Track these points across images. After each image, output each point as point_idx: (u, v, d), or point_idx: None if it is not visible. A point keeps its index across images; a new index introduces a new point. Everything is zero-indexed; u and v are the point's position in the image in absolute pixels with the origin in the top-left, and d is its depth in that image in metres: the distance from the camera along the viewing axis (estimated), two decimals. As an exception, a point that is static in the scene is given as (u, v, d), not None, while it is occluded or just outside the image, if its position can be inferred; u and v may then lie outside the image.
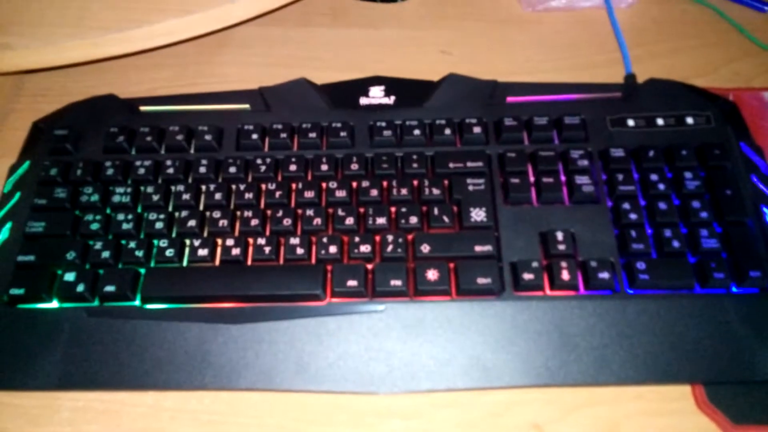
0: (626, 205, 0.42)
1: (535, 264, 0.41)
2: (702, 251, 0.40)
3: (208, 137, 0.47)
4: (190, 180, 0.46)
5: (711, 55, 0.56)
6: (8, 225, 0.44)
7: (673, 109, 0.47)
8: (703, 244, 0.40)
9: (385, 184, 0.45)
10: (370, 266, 0.42)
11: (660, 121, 0.46)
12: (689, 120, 0.46)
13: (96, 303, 0.41)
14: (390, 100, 0.50)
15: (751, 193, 0.43)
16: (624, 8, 0.59)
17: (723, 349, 0.39)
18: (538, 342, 0.39)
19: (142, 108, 0.49)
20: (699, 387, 0.39)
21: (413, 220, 0.43)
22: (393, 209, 0.44)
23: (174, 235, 0.43)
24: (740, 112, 0.48)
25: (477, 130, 0.46)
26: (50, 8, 0.45)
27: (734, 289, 0.40)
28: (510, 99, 0.49)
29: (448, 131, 0.47)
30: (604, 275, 0.40)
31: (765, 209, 0.42)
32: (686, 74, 0.53)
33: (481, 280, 0.40)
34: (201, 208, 0.44)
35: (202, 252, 0.42)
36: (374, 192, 0.44)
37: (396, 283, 0.41)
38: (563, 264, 0.40)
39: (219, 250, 0.42)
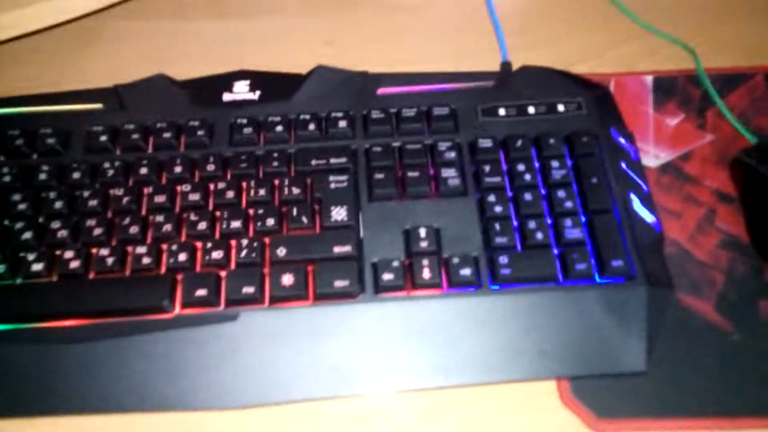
0: (492, 198, 0.41)
1: (396, 263, 0.39)
2: (565, 242, 0.39)
3: (51, 140, 0.43)
4: (29, 188, 0.42)
5: (596, 40, 0.55)
6: None
7: (546, 97, 0.46)
8: (567, 235, 0.39)
9: (243, 185, 0.42)
10: (223, 273, 0.39)
11: (531, 110, 0.45)
12: (560, 107, 0.45)
13: None
14: (255, 96, 0.47)
15: (620, 180, 0.42)
16: (507, -6, 0.57)
17: (587, 342, 0.37)
18: (401, 345, 0.38)
19: (-18, 111, 0.45)
20: (564, 382, 0.37)
21: (270, 222, 0.40)
22: (251, 212, 0.41)
23: (7, 249, 0.39)
24: (613, 98, 0.47)
25: (342, 124, 0.44)
26: None
27: (598, 280, 0.38)
28: (381, 91, 0.47)
29: (312, 126, 0.44)
30: (466, 271, 0.38)
31: (632, 196, 0.41)
32: (570, 60, 0.52)
33: (338, 283, 0.38)
34: (41, 219, 0.41)
35: (36, 266, 0.39)
36: (230, 194, 0.41)
37: (248, 290, 0.38)
38: (425, 262, 0.39)
39: (56, 263, 0.39)
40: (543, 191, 0.41)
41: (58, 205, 0.41)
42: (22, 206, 0.41)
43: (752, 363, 0.37)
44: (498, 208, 0.40)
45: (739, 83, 0.50)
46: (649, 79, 0.51)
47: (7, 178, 0.42)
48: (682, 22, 0.54)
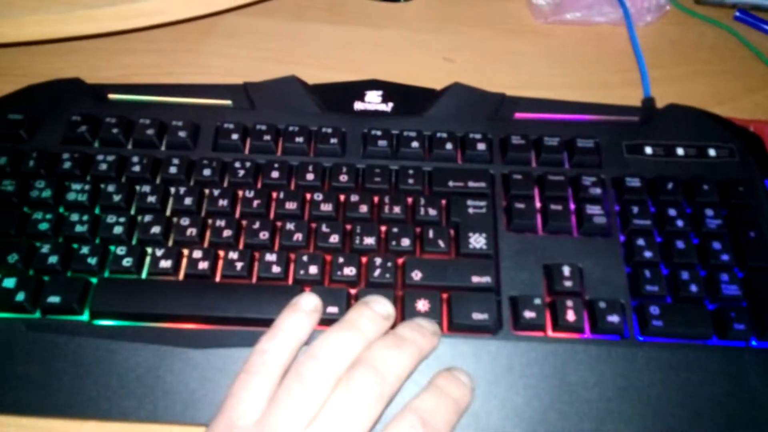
0: (641, 241, 0.38)
1: (537, 301, 0.36)
2: (721, 298, 0.36)
3: (181, 134, 0.42)
4: (157, 180, 0.41)
5: (730, 83, 0.52)
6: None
7: (694, 139, 0.43)
8: (723, 291, 0.36)
9: (376, 199, 0.40)
10: (353, 291, 0.37)
11: (680, 151, 0.42)
12: (711, 152, 0.42)
13: (37, 315, 0.36)
14: (387, 107, 0.45)
15: (775, 235, 0.39)
16: (641, 26, 0.55)
17: (739, 409, 0.34)
18: (536, 389, 0.35)
19: (111, 96, 0.44)
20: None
21: (405, 242, 0.38)
22: (383, 228, 0.39)
23: (134, 242, 0.38)
24: (765, 146, 0.44)
25: (481, 146, 0.42)
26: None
27: (754, 343, 0.36)
28: (519, 115, 0.45)
29: (449, 146, 0.42)
30: (614, 318, 0.36)
31: (791, 255, 0.38)
32: (704, 101, 0.49)
33: (476, 316, 0.36)
34: (168, 213, 0.39)
35: (164, 264, 0.37)
36: (364, 208, 0.40)
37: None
38: (569, 303, 0.36)
39: (184, 262, 0.38)
40: (697, 241, 0.38)
41: (187, 201, 0.39)
42: (151, 198, 0.39)
43: None
44: (648, 254, 0.38)
45: None
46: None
47: (137, 168, 0.40)
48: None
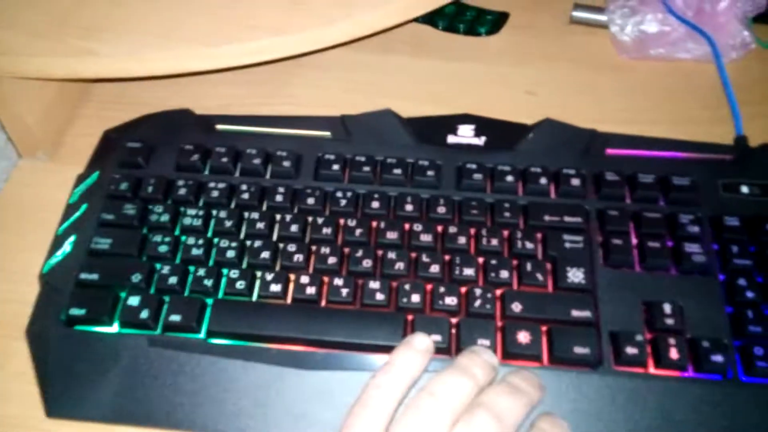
0: (742, 281, 0.38)
1: (639, 337, 0.37)
2: (829, 342, 0.36)
3: (286, 163, 0.44)
4: (264, 207, 0.42)
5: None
6: (72, 238, 0.41)
7: (790, 179, 0.43)
8: (830, 334, 0.36)
9: (473, 231, 0.41)
10: (454, 320, 0.38)
11: (777, 192, 0.42)
12: (810, 193, 0.42)
13: (159, 332, 0.38)
14: (479, 141, 0.46)
15: None
16: (726, 63, 0.55)
17: None
18: (638, 425, 0.35)
19: (219, 126, 0.47)
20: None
21: (504, 274, 0.39)
22: (481, 260, 0.40)
23: (245, 265, 0.40)
24: None
25: (575, 182, 0.43)
26: (139, 16, 0.43)
27: None
28: (610, 151, 0.45)
29: (543, 180, 0.43)
30: (718, 358, 0.36)
31: None
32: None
33: (578, 350, 0.37)
34: (275, 239, 0.41)
35: (275, 287, 0.39)
36: (462, 239, 0.41)
37: (484, 342, 0.37)
38: (671, 340, 0.37)
39: (292, 286, 0.39)
40: (800, 282, 0.38)
41: (293, 228, 0.41)
42: (259, 225, 0.41)
43: None
44: (750, 294, 0.38)
45: None
46: None
47: (245, 195, 0.42)
48: None
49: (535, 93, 0.55)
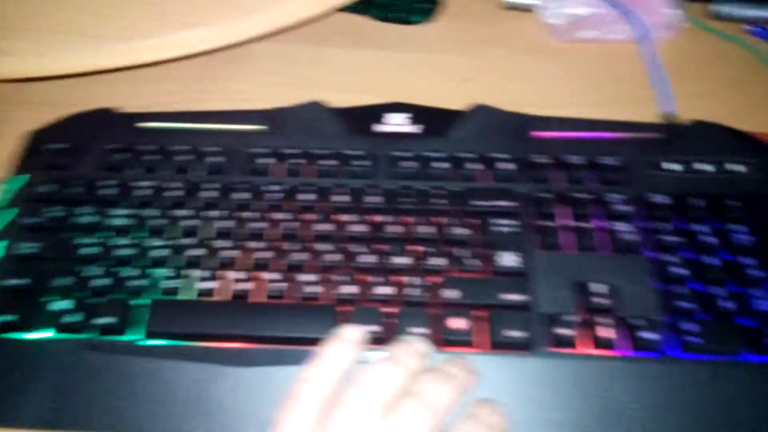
0: (671, 258, 0.39)
1: (572, 317, 0.37)
2: (756, 314, 0.37)
3: (216, 159, 0.43)
4: (195, 204, 0.41)
5: (747, 97, 0.53)
6: (3, 244, 0.40)
7: (719, 155, 0.44)
8: (758, 306, 0.37)
9: (407, 220, 0.41)
10: (389, 310, 0.38)
11: (705, 168, 0.43)
12: (738, 168, 0.43)
13: (93, 335, 0.37)
14: (412, 129, 0.46)
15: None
16: (659, 43, 0.56)
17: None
18: (576, 406, 0.36)
19: (145, 124, 0.45)
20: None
21: (438, 261, 0.39)
22: (416, 248, 0.40)
23: (178, 264, 0.39)
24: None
25: (508, 166, 0.43)
26: (52, 14, 0.41)
27: (792, 357, 0.36)
28: (541, 134, 0.46)
29: (476, 166, 0.43)
30: (652, 336, 0.36)
31: (820, 269, 0.39)
32: (724, 117, 0.50)
33: (513, 333, 0.37)
34: (207, 236, 0.40)
35: (209, 285, 0.38)
36: (395, 228, 0.40)
37: (419, 330, 0.37)
38: (604, 320, 0.37)
39: (226, 283, 0.38)
40: (727, 256, 0.39)
41: (226, 224, 0.40)
42: (191, 222, 0.40)
43: None
44: (678, 270, 0.38)
45: None
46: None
47: (175, 193, 0.42)
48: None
49: (472, 79, 0.54)
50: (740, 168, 0.43)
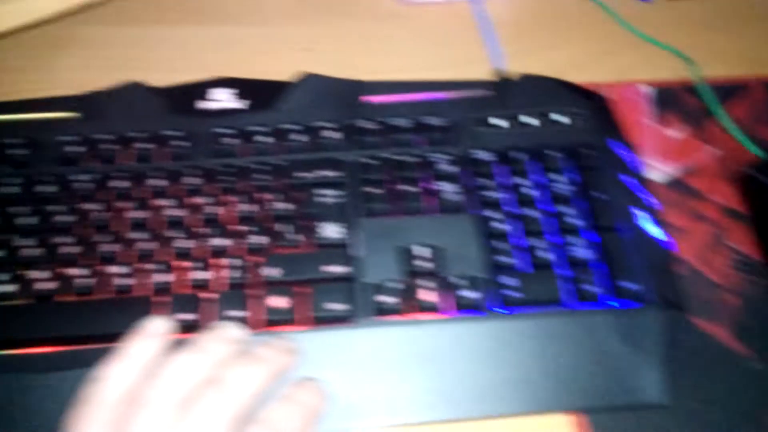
0: (494, 214, 0.38)
1: (395, 284, 0.36)
2: (576, 262, 0.37)
3: (19, 151, 0.40)
4: (-6, 202, 0.38)
5: (591, 50, 0.53)
6: None
7: (546, 107, 0.44)
8: (576, 255, 0.37)
9: (228, 199, 0.39)
10: (209, 296, 0.36)
11: (532, 121, 0.43)
12: (562, 119, 0.43)
13: None
14: (238, 104, 0.44)
15: (626, 195, 0.40)
16: (500, 1, 0.55)
17: (603, 372, 0.35)
18: (401, 374, 0.35)
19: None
20: (583, 416, 0.35)
21: (259, 239, 0.37)
22: (236, 228, 0.38)
23: (-29, 267, 0.36)
24: (610, 108, 0.45)
25: (333, 135, 0.42)
26: None
27: (613, 304, 0.36)
28: (372, 99, 0.44)
29: (299, 137, 0.42)
30: (473, 294, 0.36)
31: (640, 212, 0.39)
32: (565, 69, 0.50)
33: (336, 306, 0.36)
34: (8, 233, 0.37)
35: (8, 288, 0.35)
36: (214, 209, 0.38)
37: (238, 313, 0.35)
38: (428, 283, 0.36)
39: (28, 283, 0.35)
40: (548, 207, 0.39)
41: (29, 220, 0.37)
42: (-15, 223, 0.37)
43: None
44: (501, 226, 0.38)
45: (739, 94, 0.48)
46: (647, 89, 0.49)
47: (-33, 192, 0.38)
48: (678, 31, 0.53)
49: (313, 49, 0.53)
50: (565, 119, 0.43)
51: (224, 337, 0.32)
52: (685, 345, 0.37)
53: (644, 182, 0.41)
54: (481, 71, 0.49)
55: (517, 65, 0.49)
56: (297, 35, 0.54)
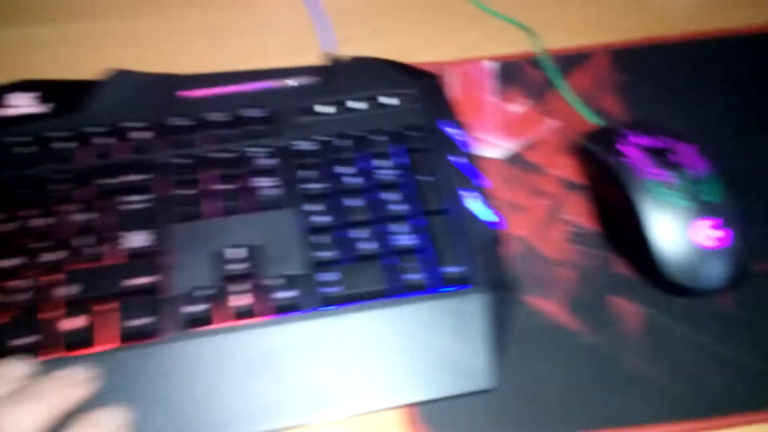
0: (314, 207, 0.36)
1: (208, 291, 0.33)
2: (397, 250, 0.35)
3: None
4: None
5: (436, 29, 0.51)
6: None
7: (375, 90, 0.41)
8: (398, 242, 0.35)
9: (21, 213, 0.35)
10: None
11: (357, 105, 0.41)
12: (389, 101, 0.41)
13: None
14: (40, 109, 0.40)
15: (453, 177, 0.38)
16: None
17: (430, 362, 0.33)
18: (217, 386, 0.32)
19: None
20: (413, 409, 0.33)
21: (56, 255, 0.34)
22: (32, 245, 0.34)
23: None
24: (442, 87, 0.43)
25: (143, 135, 0.38)
26: None
27: (440, 290, 0.35)
28: (189, 94, 0.41)
29: (106, 140, 0.38)
30: (289, 293, 0.34)
31: (467, 193, 0.38)
32: (409, 51, 0.48)
33: (139, 321, 0.32)
34: None
35: None
36: (4, 227, 0.34)
37: (27, 341, 0.31)
38: (242, 287, 0.33)
39: None
40: (373, 196, 0.37)
41: None
42: None
43: (603, 366, 0.34)
44: (321, 218, 0.36)
45: (582, 63, 0.48)
46: (491, 65, 0.48)
47: None
48: (525, 4, 0.52)
49: (139, 43, 0.49)
50: (393, 101, 0.41)
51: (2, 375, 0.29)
52: (517, 325, 0.35)
53: (475, 161, 0.40)
54: (318, 59, 0.46)
55: (359, 50, 0.47)
56: (131, 31, 0.49)
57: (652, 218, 0.35)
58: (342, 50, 0.47)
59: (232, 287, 0.33)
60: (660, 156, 0.37)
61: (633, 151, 0.37)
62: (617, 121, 0.43)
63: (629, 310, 0.36)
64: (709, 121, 0.43)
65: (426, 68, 0.44)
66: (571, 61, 0.48)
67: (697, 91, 0.45)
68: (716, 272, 0.34)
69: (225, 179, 0.37)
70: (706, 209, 0.34)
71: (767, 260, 0.38)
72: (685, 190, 0.35)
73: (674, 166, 0.36)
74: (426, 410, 0.33)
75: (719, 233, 0.34)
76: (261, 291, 0.34)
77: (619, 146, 0.38)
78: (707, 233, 0.34)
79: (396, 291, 0.34)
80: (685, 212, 0.34)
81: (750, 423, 0.34)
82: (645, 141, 0.38)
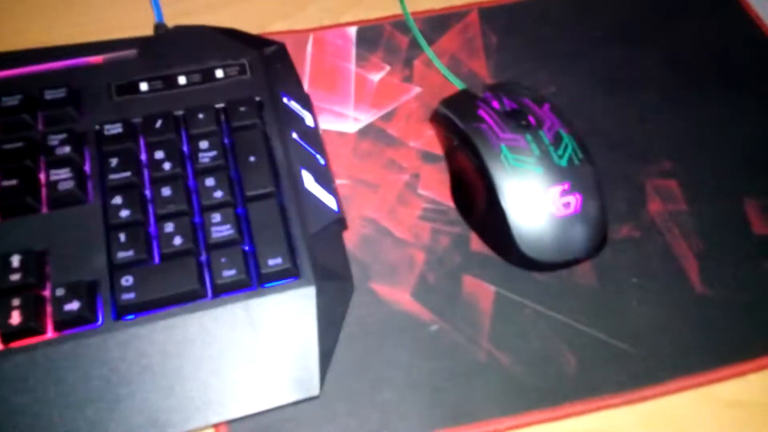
0: (117, 200, 0.31)
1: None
2: (213, 244, 0.30)
3: None
4: None
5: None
6: None
7: (202, 62, 0.36)
8: (214, 234, 0.30)
9: None
10: None
11: (182, 80, 0.35)
12: (219, 73, 0.36)
13: None
14: None
15: (289, 155, 0.33)
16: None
17: (251, 371, 0.29)
18: (-10, 424, 0.27)
19: None
20: (224, 427, 0.28)
21: None
22: None
23: None
24: (287, 56, 0.38)
25: None
26: None
27: (256, 286, 0.30)
28: (-18, 77, 0.35)
29: None
30: (74, 305, 0.28)
31: (305, 173, 0.33)
32: (267, 20, 0.43)
33: None
34: None
35: None
36: None
37: None
38: (15, 302, 0.28)
39: None
40: (190, 183, 0.31)
41: None
42: None
43: (452, 356, 0.30)
44: (125, 213, 0.30)
45: (451, 24, 0.43)
46: (353, 30, 0.43)
47: None
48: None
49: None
50: (223, 73, 0.36)
51: None
52: (359, 319, 0.31)
53: (318, 138, 0.35)
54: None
55: (205, 20, 0.41)
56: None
57: (504, 187, 0.30)
58: (186, 21, 0.41)
59: (9, 302, 0.28)
60: (516, 119, 0.32)
61: (491, 115, 0.33)
62: (480, 84, 0.38)
63: (485, 291, 0.32)
64: (580, 80, 0.39)
65: (278, 38, 0.39)
66: (439, 23, 0.43)
67: (569, 50, 0.41)
68: (569, 242, 0.29)
69: (10, 174, 0.31)
70: (559, 174, 0.30)
71: (629, 223, 0.33)
72: (539, 155, 0.30)
73: (530, 129, 0.31)
74: (238, 427, 0.28)
75: (571, 199, 0.29)
76: (38, 304, 0.28)
77: (478, 111, 0.33)
78: (559, 200, 0.29)
79: (211, 291, 0.29)
80: (538, 179, 0.30)
81: (608, 407, 0.29)
82: (505, 104, 0.33)
